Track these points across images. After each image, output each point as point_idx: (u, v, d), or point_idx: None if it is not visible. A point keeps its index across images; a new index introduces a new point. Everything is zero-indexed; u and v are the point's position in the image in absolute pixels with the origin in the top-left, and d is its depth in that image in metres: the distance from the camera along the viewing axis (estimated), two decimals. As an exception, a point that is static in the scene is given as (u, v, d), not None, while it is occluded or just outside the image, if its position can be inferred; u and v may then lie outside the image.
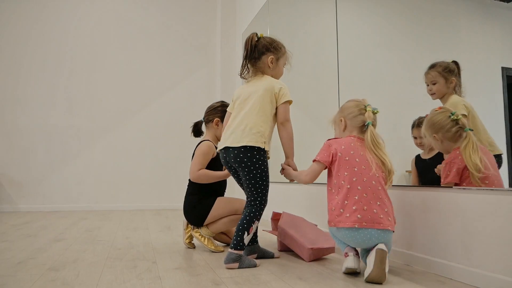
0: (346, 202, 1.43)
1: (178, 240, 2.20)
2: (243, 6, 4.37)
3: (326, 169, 1.57)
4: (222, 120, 2.04)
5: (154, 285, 1.29)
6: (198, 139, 2.17)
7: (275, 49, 1.74)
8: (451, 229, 1.44)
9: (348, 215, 1.41)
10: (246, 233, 1.56)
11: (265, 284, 1.32)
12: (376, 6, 2.08)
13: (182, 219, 2.23)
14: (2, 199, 4.02)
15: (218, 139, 2.09)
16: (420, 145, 1.74)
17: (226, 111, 1.88)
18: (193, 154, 2.06)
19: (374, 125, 1.53)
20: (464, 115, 1.46)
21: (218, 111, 2.09)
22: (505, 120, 1.35)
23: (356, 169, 1.46)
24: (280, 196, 2.96)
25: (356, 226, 1.39)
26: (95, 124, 4.36)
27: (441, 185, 1.51)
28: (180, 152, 4.55)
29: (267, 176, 1.64)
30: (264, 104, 1.63)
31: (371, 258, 1.34)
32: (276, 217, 2.05)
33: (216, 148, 1.94)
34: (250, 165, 1.59)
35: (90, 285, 1.28)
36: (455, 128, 1.44)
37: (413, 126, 1.77)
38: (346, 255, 1.48)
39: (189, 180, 2.05)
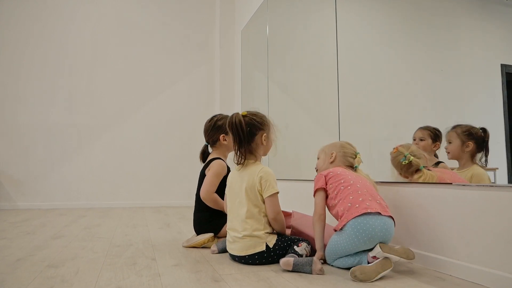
0: (351, 197, 1.48)
1: (177, 237, 2.20)
2: (242, 3, 4.36)
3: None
4: (226, 133, 2.06)
5: (154, 281, 1.29)
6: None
7: (265, 125, 1.68)
8: (451, 225, 1.44)
9: (368, 203, 1.44)
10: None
11: (264, 280, 1.32)
12: (376, 3, 2.08)
13: (192, 233, 2.23)
14: (1, 196, 4.01)
15: (229, 150, 2.12)
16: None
17: (225, 123, 1.89)
18: (202, 171, 2.07)
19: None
20: (416, 157, 1.59)
21: (218, 129, 2.10)
22: (504, 117, 1.35)
23: (349, 177, 1.58)
24: (286, 194, 2.95)
25: (380, 212, 1.43)
26: (95, 121, 4.36)
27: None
28: (180, 149, 4.55)
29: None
30: (252, 208, 1.58)
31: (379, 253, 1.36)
32: (285, 216, 2.04)
33: (227, 165, 2.04)
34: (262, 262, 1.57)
35: (89, 282, 1.28)
36: (411, 169, 1.64)
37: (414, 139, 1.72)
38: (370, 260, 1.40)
39: (197, 197, 2.07)
